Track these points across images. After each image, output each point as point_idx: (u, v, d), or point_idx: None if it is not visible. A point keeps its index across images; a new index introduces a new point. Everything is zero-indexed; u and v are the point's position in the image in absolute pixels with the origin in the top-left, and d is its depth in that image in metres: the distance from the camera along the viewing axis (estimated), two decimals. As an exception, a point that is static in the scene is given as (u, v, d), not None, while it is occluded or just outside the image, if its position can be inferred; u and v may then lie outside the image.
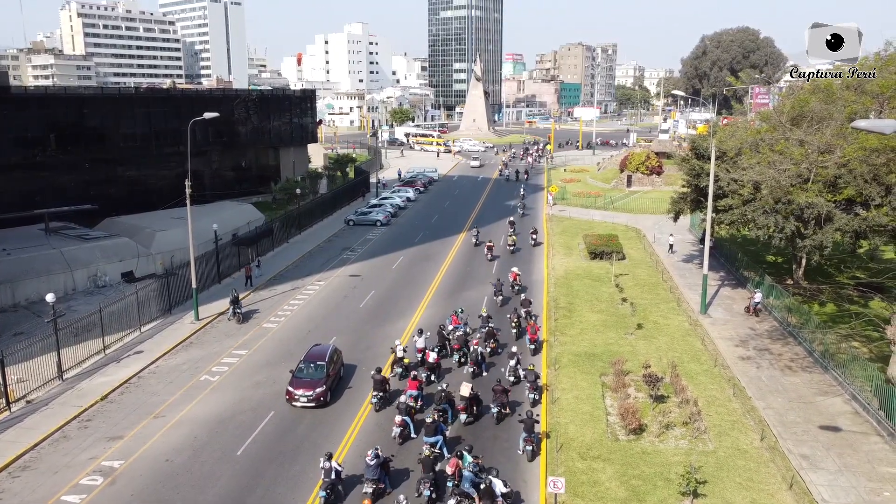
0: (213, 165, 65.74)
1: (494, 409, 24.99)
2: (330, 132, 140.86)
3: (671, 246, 49.22)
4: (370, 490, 19.65)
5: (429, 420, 22.59)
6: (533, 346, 31.34)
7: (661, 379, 25.85)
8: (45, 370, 27.89)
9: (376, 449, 20.45)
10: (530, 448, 22.38)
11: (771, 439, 23.12)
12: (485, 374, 28.95)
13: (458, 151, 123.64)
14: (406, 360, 28.73)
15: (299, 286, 41.94)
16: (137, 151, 58.32)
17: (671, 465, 21.50)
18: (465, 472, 19.30)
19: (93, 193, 52.62)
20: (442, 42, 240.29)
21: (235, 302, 36.05)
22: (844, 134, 27.85)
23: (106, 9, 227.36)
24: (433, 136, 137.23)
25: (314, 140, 79.56)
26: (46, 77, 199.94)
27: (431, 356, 28.35)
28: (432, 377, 28.02)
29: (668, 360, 29.07)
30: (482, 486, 19.08)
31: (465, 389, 24.93)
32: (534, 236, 53.01)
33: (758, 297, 35.54)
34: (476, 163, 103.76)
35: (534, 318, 34.12)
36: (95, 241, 42.82)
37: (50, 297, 28.05)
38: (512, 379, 27.37)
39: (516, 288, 40.19)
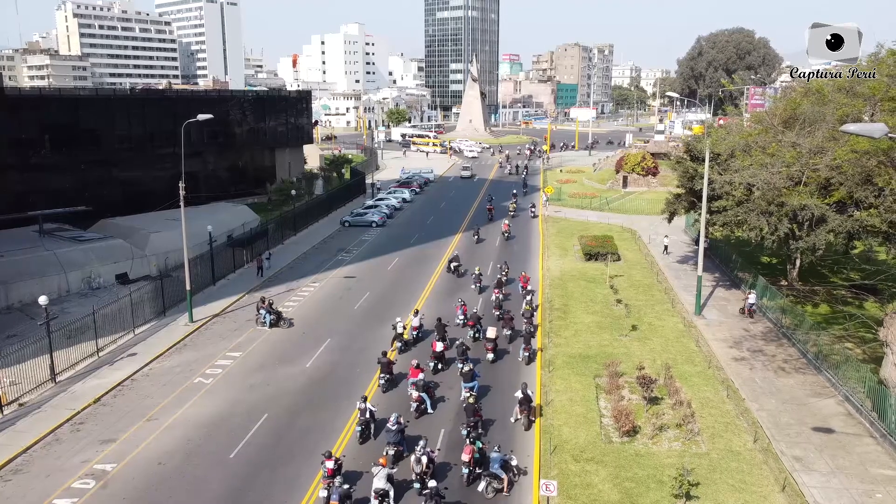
0: (209, 166, 65.62)
1: (507, 332, 32.06)
2: (326, 132, 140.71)
3: (666, 247, 49.28)
4: (392, 452, 21.57)
5: (466, 369, 26.08)
6: (524, 291, 37.80)
7: (655, 381, 25.86)
8: (38, 373, 27.80)
9: (398, 416, 22.36)
10: (527, 354, 30.08)
11: (764, 441, 23.14)
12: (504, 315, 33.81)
13: (475, 156, 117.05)
14: (405, 336, 31.81)
15: (294, 288, 41.88)
16: (132, 153, 58.19)
17: (664, 468, 21.49)
18: (493, 455, 20.62)
19: (87, 195, 52.45)
20: (438, 42, 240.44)
21: (270, 309, 34.60)
22: (836, 136, 27.91)
23: (102, 9, 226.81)
24: (429, 137, 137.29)
25: (310, 141, 79.51)
26: (42, 77, 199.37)
27: (438, 346, 29.57)
28: (440, 366, 29.26)
29: (663, 362, 29.08)
30: (509, 464, 20.65)
31: (492, 332, 30.45)
32: (533, 210, 64.20)
33: (752, 298, 35.59)
34: (466, 172, 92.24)
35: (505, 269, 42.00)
36: (89, 243, 42.71)
37: (43, 300, 27.94)
38: (528, 308, 34.28)
39: (505, 235, 54.60)
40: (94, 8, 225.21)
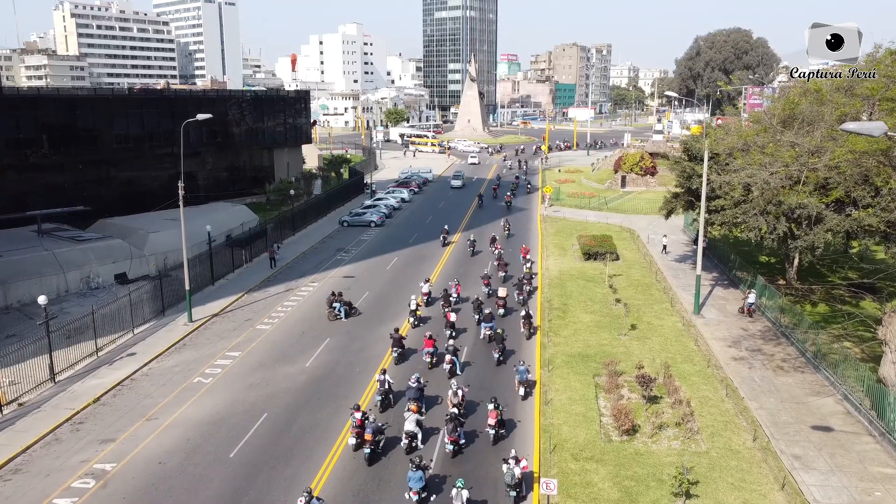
0: (207, 166, 65.57)
1: (502, 274, 42.52)
2: (324, 132, 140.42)
3: (665, 246, 49.34)
4: (413, 406, 24.21)
5: (487, 311, 32.97)
6: (524, 260, 44.34)
7: (654, 380, 25.91)
8: (38, 372, 27.79)
9: (418, 376, 25.56)
10: (525, 294, 37.38)
11: (763, 440, 23.19)
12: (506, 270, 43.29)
13: (475, 162, 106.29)
14: (419, 312, 35.33)
15: (293, 287, 41.87)
16: (131, 152, 58.13)
17: (664, 466, 21.53)
18: (521, 367, 26.44)
19: (86, 195, 52.44)
20: (437, 42, 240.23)
21: (340, 299, 36.10)
22: (834, 136, 27.96)
23: (99, 9, 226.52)
24: (427, 137, 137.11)
25: (308, 141, 79.39)
26: (40, 78, 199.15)
27: (452, 316, 33.07)
28: (453, 333, 31.87)
29: (662, 361, 29.12)
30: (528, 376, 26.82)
31: (503, 292, 37.00)
32: (528, 186, 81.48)
33: (751, 297, 35.63)
34: (458, 182, 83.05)
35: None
36: (88, 243, 42.67)
37: (42, 300, 27.92)
38: (528, 271, 41.95)
39: (507, 205, 67.76)
40: (91, 8, 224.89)
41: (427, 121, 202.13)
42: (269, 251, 47.45)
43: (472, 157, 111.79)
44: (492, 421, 23.36)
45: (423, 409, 24.71)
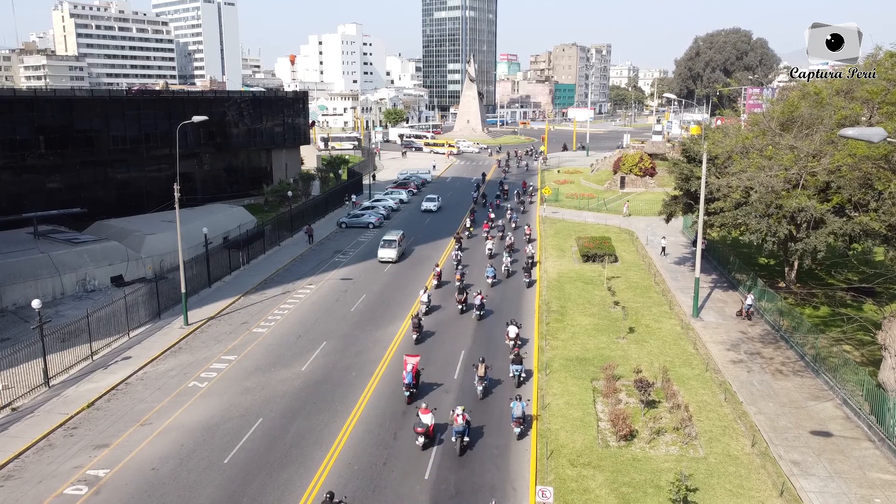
0: (205, 167, 65.34)
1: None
2: (323, 133, 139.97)
3: (663, 248, 49.15)
4: (498, 234, 51.96)
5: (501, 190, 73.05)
6: (530, 198, 71.94)
7: (652, 384, 25.73)
8: (31, 377, 27.60)
9: (500, 220, 54.37)
10: (524, 202, 68.24)
11: (762, 445, 23.02)
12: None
13: (434, 208, 68.15)
14: (471, 228, 56.46)
15: (290, 290, 41.66)
16: (128, 154, 57.87)
17: (662, 472, 21.36)
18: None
19: (82, 196, 52.26)
20: (436, 43, 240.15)
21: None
22: (833, 140, 27.77)
23: (98, 9, 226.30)
24: (427, 137, 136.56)
25: (307, 142, 79.16)
26: (39, 78, 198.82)
27: (492, 214, 57.68)
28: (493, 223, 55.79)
29: (660, 365, 28.94)
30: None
31: (505, 185, 72.10)
32: (535, 156, 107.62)
33: (750, 299, 35.44)
34: (388, 253, 48.05)
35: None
36: (84, 245, 42.44)
37: (36, 304, 27.72)
38: (524, 197, 71.64)
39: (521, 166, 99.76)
40: (90, 8, 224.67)
41: (426, 121, 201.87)
42: (307, 229, 54.25)
43: (428, 200, 70.08)
44: (528, 231, 52.91)
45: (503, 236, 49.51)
